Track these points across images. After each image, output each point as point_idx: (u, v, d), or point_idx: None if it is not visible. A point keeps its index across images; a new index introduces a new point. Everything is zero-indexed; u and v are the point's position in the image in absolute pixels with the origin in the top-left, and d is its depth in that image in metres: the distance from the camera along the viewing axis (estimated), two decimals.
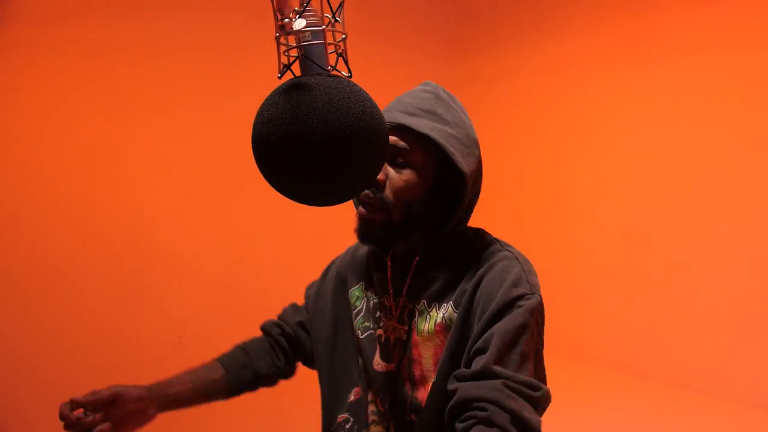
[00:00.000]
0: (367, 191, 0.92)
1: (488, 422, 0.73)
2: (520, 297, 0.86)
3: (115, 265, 3.05)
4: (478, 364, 0.80)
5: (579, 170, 3.98)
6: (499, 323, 0.83)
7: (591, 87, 3.86)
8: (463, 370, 0.82)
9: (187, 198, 3.39)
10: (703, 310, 3.31)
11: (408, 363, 0.95)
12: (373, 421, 1.01)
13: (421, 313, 0.95)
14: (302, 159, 0.71)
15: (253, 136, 0.75)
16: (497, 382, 0.77)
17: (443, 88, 0.98)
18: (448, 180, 0.95)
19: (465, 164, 0.90)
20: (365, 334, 1.03)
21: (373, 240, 0.94)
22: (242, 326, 3.33)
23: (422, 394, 0.93)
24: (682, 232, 3.42)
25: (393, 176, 0.92)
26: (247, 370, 1.10)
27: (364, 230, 0.94)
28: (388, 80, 4.18)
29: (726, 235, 3.21)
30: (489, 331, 0.83)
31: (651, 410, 3.14)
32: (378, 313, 1.02)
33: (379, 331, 1.01)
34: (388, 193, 0.92)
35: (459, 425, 0.76)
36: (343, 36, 0.79)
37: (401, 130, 0.91)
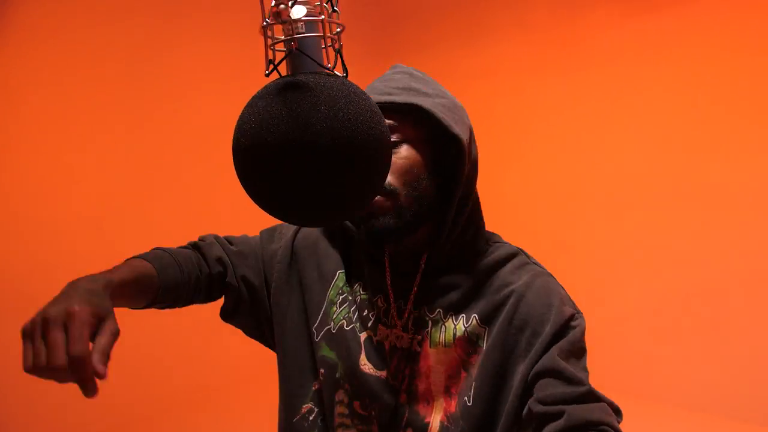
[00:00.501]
0: None
1: None
2: (572, 317, 0.83)
3: (9, 276, 2.74)
4: (569, 383, 0.77)
5: (506, 175, 4.06)
6: (561, 344, 0.80)
7: (519, 93, 3.95)
8: (561, 392, 0.76)
9: (92, 204, 3.11)
10: (628, 315, 3.46)
11: (411, 374, 0.87)
12: (342, 425, 0.92)
13: (435, 323, 0.87)
14: (303, 171, 0.61)
15: (239, 144, 0.65)
16: (604, 405, 0.77)
17: (414, 68, 0.92)
18: (444, 155, 0.87)
19: (458, 130, 0.83)
20: (349, 327, 0.93)
21: (387, 236, 0.83)
22: (158, 342, 3.20)
23: (425, 410, 0.86)
24: (607, 237, 3.56)
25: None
26: (171, 293, 0.89)
27: (375, 228, 0.82)
28: None
29: (651, 238, 3.37)
30: (552, 354, 0.79)
31: None
32: (366, 312, 0.92)
33: (368, 333, 0.91)
34: (389, 179, 0.83)
35: None
36: (338, 29, 0.70)
37: (383, 109, 0.82)
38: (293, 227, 1.04)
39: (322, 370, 0.93)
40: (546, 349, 0.80)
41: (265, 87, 0.66)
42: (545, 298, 0.83)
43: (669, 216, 3.28)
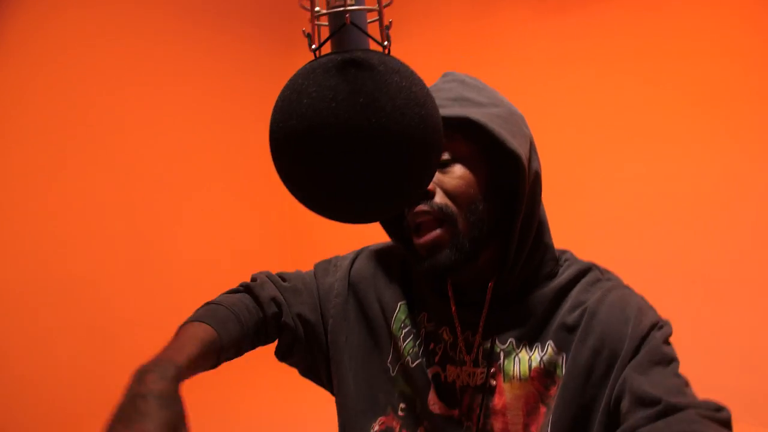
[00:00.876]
0: (421, 206, 0.76)
1: None
2: (654, 326, 0.74)
3: None
4: (645, 405, 0.66)
5: None
6: (637, 359, 0.71)
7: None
8: (637, 419, 0.65)
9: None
10: None
11: (485, 412, 0.79)
12: None
13: (507, 355, 0.79)
14: (372, 157, 0.55)
15: (289, 128, 0.56)
16: (690, 413, 0.64)
17: (467, 75, 0.85)
18: (502, 171, 0.79)
19: (516, 144, 0.75)
20: (415, 363, 0.85)
21: (448, 272, 0.76)
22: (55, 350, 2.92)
23: None
24: None
25: (442, 179, 0.77)
26: (233, 350, 0.85)
27: (436, 265, 0.76)
28: (216, 73, 3.88)
29: (567, 236, 3.48)
30: (628, 373, 0.70)
31: None
32: (432, 345, 0.85)
33: (436, 369, 0.84)
34: (443, 200, 0.76)
35: None
36: (387, 1, 0.63)
37: None
38: (348, 258, 0.98)
39: (402, 405, 0.86)
40: (627, 362, 0.72)
41: (316, 64, 0.57)
42: (620, 312, 0.75)
43: (581, 211, 3.42)
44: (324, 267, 0.98)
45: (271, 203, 4.31)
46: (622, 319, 0.74)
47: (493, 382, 0.80)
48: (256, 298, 0.89)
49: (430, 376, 0.84)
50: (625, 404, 0.68)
